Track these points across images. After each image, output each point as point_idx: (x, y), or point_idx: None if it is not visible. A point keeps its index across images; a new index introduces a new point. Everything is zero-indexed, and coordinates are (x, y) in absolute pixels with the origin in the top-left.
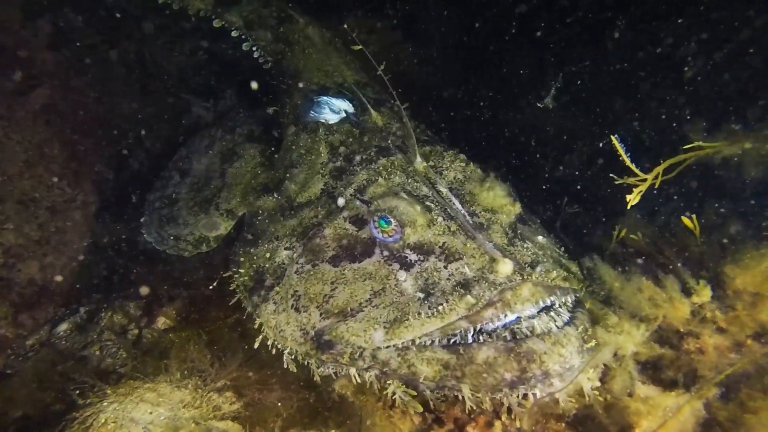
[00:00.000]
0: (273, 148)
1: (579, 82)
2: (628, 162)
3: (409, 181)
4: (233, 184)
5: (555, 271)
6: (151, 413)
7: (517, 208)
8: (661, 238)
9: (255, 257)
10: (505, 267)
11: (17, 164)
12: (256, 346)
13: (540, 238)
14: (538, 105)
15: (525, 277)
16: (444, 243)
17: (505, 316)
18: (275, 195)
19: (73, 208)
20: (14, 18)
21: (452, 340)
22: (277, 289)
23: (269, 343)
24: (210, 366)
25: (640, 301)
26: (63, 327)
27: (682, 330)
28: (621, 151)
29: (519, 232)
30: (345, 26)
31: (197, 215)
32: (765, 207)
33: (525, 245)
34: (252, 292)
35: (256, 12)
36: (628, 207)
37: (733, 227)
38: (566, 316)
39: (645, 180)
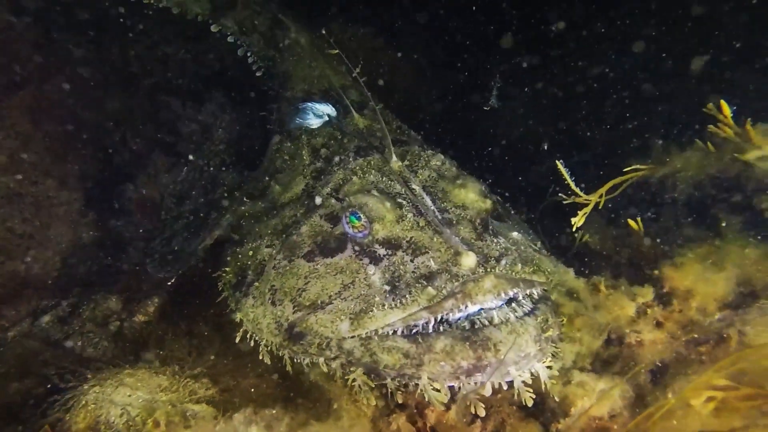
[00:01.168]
0: (247, 170)
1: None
2: (572, 186)
3: (384, 179)
4: (219, 207)
5: (521, 265)
6: (130, 396)
7: (488, 204)
8: (618, 241)
9: (240, 256)
10: (468, 260)
11: (3, 160)
12: (237, 339)
13: (515, 234)
14: (485, 108)
15: (488, 269)
16: (411, 238)
17: (466, 307)
18: (260, 201)
19: (57, 204)
20: (2, 20)
21: (413, 331)
22: (256, 284)
23: (248, 335)
24: (187, 355)
25: (598, 301)
26: (45, 319)
27: (627, 329)
28: (566, 175)
29: (491, 227)
30: (323, 32)
31: (192, 242)
32: (691, 216)
33: (494, 240)
34: (235, 288)
35: (250, 18)
36: (574, 228)
37: (671, 234)
38: (528, 307)
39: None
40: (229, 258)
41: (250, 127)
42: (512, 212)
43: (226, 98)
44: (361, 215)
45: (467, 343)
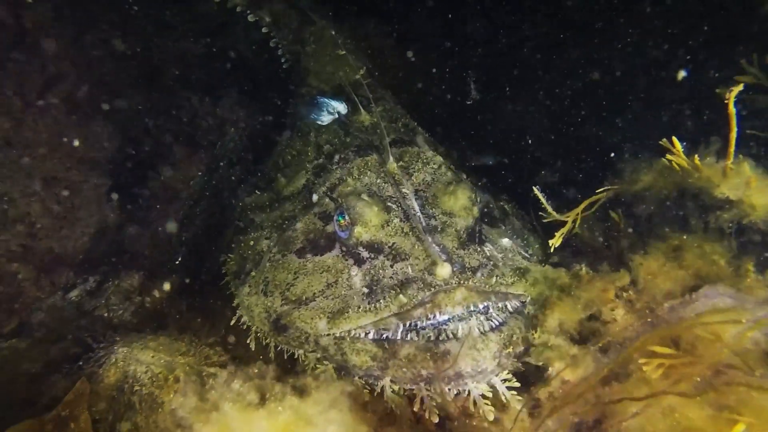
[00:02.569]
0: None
1: None
2: (549, 209)
3: (378, 181)
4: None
5: (496, 277)
6: (153, 357)
7: (476, 212)
8: (606, 234)
9: (242, 245)
10: (443, 270)
11: (43, 147)
12: (231, 323)
13: (505, 241)
14: (467, 102)
15: (461, 281)
16: (394, 243)
17: (434, 316)
18: (266, 192)
19: (87, 188)
20: (46, 20)
21: (383, 335)
22: (253, 274)
23: (242, 320)
24: (202, 326)
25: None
26: (75, 293)
27: (604, 308)
28: (542, 199)
29: (479, 235)
30: (332, 32)
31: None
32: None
33: (478, 249)
34: (236, 275)
35: (283, 12)
36: (551, 250)
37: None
38: (496, 321)
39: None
40: (233, 245)
41: (266, 121)
42: (510, 213)
43: (242, 93)
44: (346, 216)
45: (428, 354)
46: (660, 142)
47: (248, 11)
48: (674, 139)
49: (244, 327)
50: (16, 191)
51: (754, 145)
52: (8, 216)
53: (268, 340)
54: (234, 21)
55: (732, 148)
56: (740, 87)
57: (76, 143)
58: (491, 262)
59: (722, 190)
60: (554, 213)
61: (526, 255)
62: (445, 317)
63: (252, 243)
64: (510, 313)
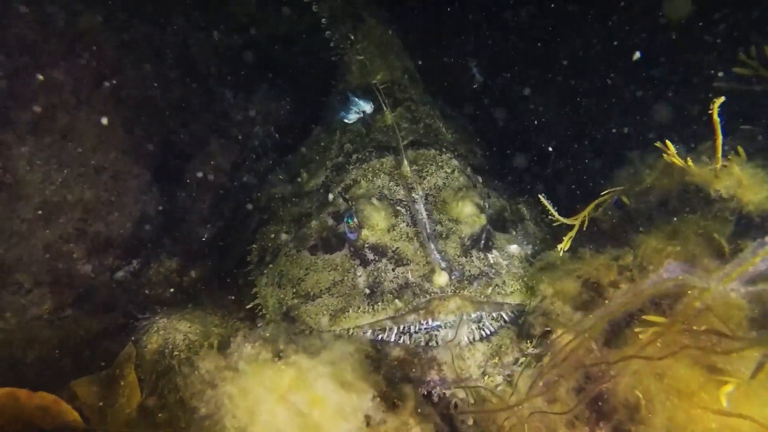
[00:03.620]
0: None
1: None
2: (555, 214)
3: (390, 184)
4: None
5: (494, 287)
6: (189, 326)
7: (483, 220)
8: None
9: (264, 236)
10: (440, 279)
11: (93, 140)
12: (248, 306)
13: (513, 248)
14: (474, 87)
15: (457, 290)
16: (397, 248)
17: (427, 322)
18: (289, 186)
19: (131, 177)
20: (97, 24)
21: (378, 336)
22: (271, 266)
23: (259, 307)
24: (232, 303)
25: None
26: (120, 274)
27: (608, 282)
28: (548, 206)
29: (485, 242)
30: (351, 36)
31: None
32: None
33: (481, 256)
34: (256, 265)
35: (340, 6)
36: (560, 253)
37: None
38: (487, 331)
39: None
40: (257, 236)
41: (298, 114)
42: (526, 217)
43: (274, 87)
44: (355, 218)
45: (416, 359)
46: (655, 144)
47: (314, 3)
48: (668, 142)
49: (259, 313)
50: (72, 179)
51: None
52: (67, 200)
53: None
54: (266, 16)
55: (719, 154)
56: (722, 99)
57: (121, 136)
58: (493, 270)
59: (715, 188)
60: (560, 217)
61: (533, 261)
62: (438, 323)
63: (272, 236)
64: (504, 323)
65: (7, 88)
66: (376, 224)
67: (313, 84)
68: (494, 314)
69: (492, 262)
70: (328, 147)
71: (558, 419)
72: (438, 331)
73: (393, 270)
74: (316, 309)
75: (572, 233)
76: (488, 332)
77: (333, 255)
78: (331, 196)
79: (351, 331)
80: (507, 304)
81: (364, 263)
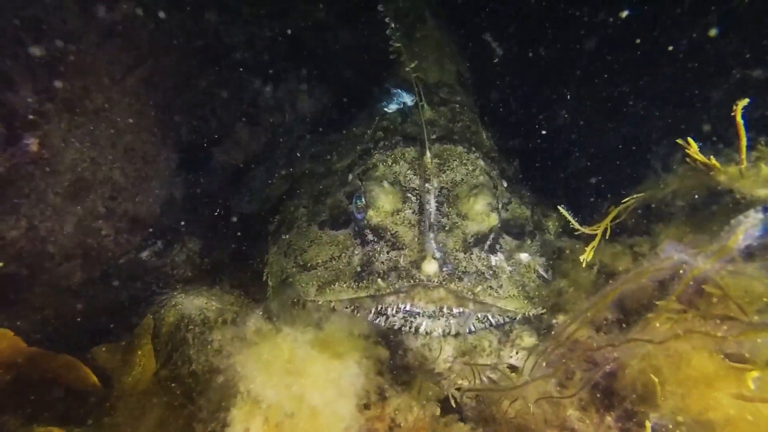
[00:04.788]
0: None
1: None
2: (575, 224)
3: (408, 172)
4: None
5: (485, 287)
6: (206, 303)
7: (493, 219)
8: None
9: (286, 209)
10: (429, 266)
11: (125, 122)
12: (264, 278)
13: (523, 255)
14: (494, 62)
15: (444, 282)
16: (396, 232)
17: (405, 307)
18: (320, 165)
19: (159, 161)
20: (131, 12)
21: (356, 312)
22: (283, 236)
23: (265, 273)
24: (250, 283)
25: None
26: (145, 253)
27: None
28: (569, 216)
29: (491, 243)
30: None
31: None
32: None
33: (482, 256)
34: (272, 235)
35: (406, 9)
36: (583, 265)
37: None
38: (465, 328)
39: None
40: (281, 208)
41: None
42: (547, 230)
43: (303, 76)
44: (363, 198)
45: (384, 340)
46: (677, 141)
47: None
48: (689, 140)
49: (264, 279)
50: (103, 158)
51: None
52: (96, 178)
53: (273, 295)
54: (295, 6)
55: (744, 155)
56: (746, 101)
57: (152, 119)
58: (491, 272)
59: (741, 189)
60: (580, 227)
61: (545, 275)
62: (417, 311)
63: (292, 209)
64: (489, 325)
65: (48, 66)
66: (382, 206)
67: (344, 73)
68: (479, 315)
69: (494, 264)
70: (363, 133)
71: (567, 402)
72: (415, 318)
73: (387, 253)
74: (308, 279)
75: (594, 243)
76: (465, 330)
77: (338, 232)
78: (350, 177)
79: (332, 304)
80: (496, 307)
81: (364, 243)
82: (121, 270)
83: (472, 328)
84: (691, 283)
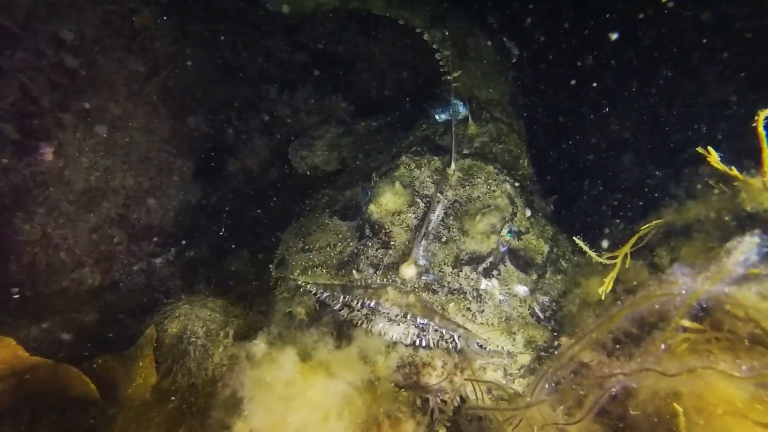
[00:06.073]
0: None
1: None
2: (590, 252)
3: (426, 179)
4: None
5: (459, 307)
6: (210, 315)
7: (493, 242)
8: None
9: (312, 199)
10: (407, 270)
11: (140, 131)
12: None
13: (519, 288)
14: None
15: (417, 289)
16: (391, 231)
17: (370, 303)
18: (364, 164)
19: (174, 169)
20: (150, 22)
21: (324, 297)
22: (302, 219)
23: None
24: (257, 296)
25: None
26: (158, 260)
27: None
28: (583, 245)
29: (486, 267)
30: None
31: None
32: None
33: (472, 277)
34: (296, 215)
35: (451, 30)
36: (602, 297)
37: None
38: (423, 340)
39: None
40: (317, 195)
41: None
42: (563, 269)
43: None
44: (370, 194)
45: (336, 332)
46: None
47: (425, 32)
48: (710, 149)
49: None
50: (117, 167)
51: None
52: (110, 186)
53: (273, 272)
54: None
55: (766, 167)
56: (767, 112)
57: (168, 129)
58: (476, 295)
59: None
60: (597, 257)
61: (539, 314)
62: (381, 310)
63: (321, 198)
64: (451, 346)
65: (66, 77)
66: (384, 203)
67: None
68: (445, 332)
69: (483, 287)
70: (403, 138)
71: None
72: (375, 317)
73: (376, 249)
74: (299, 260)
75: (614, 273)
76: (420, 344)
77: (344, 222)
78: (374, 174)
79: (308, 286)
80: (466, 330)
81: (361, 237)
82: (132, 279)
83: (427, 343)
84: (694, 304)
